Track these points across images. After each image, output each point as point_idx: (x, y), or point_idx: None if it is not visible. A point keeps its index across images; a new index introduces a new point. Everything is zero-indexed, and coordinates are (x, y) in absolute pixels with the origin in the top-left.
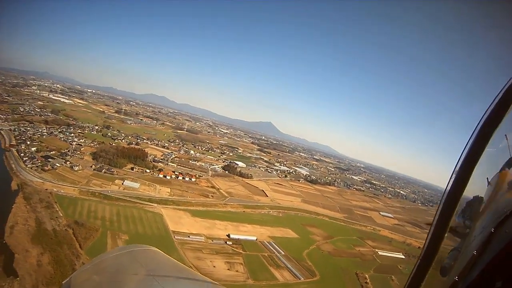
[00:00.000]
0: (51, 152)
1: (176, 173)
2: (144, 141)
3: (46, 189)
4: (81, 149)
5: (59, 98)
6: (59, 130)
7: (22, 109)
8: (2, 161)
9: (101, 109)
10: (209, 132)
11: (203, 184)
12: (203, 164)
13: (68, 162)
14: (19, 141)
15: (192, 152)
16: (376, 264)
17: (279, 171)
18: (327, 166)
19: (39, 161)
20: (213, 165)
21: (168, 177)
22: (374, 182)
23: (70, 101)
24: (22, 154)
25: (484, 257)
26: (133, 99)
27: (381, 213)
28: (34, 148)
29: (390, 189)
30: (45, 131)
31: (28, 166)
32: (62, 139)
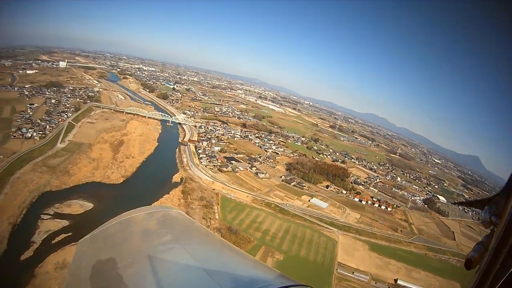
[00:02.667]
0: (238, 155)
1: (374, 199)
2: (352, 160)
3: (214, 189)
4: (277, 158)
5: (267, 105)
6: (257, 135)
7: (217, 109)
8: (175, 153)
9: (314, 122)
10: (421, 160)
11: (398, 216)
12: (405, 193)
13: (254, 168)
14: (202, 138)
15: (398, 179)
16: None
17: (474, 212)
18: None
19: (219, 161)
20: (415, 196)
21: (363, 202)
22: None
23: (280, 110)
24: (200, 151)
25: None
26: (352, 116)
27: None
28: (218, 148)
29: None
30: (238, 133)
31: (203, 163)
32: (258, 144)
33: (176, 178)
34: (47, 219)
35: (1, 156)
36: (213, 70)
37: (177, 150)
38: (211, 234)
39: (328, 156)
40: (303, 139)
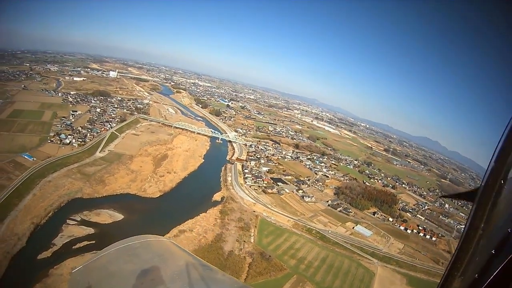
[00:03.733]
0: (286, 177)
1: (419, 227)
2: (403, 185)
3: (254, 211)
4: (326, 181)
5: (323, 126)
6: (309, 157)
7: (271, 129)
8: (220, 171)
9: (369, 145)
10: (470, 186)
11: (441, 246)
12: (451, 221)
13: (300, 191)
14: (251, 157)
15: (446, 205)
16: None
17: None
18: None
19: (265, 181)
20: (461, 224)
21: (409, 231)
22: None
23: (336, 131)
24: (246, 170)
25: (501, 256)
26: (407, 140)
27: None
28: (266, 168)
29: None
30: (290, 154)
31: (248, 183)
32: (308, 166)
33: (216, 197)
34: (72, 224)
35: (35, 159)
36: (271, 89)
37: (223, 168)
38: (204, 264)
39: (379, 181)
40: (355, 162)
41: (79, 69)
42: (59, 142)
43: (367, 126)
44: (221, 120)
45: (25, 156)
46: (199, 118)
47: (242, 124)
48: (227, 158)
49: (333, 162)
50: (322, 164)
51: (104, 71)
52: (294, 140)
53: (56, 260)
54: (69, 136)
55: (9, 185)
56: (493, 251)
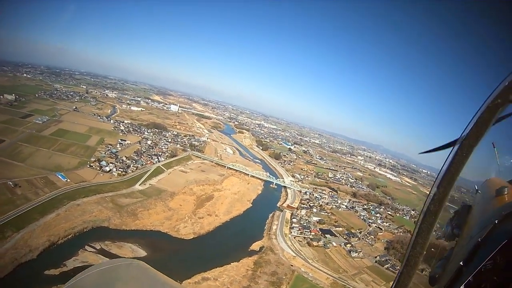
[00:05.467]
0: (337, 228)
1: None
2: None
3: (292, 265)
4: (378, 234)
5: (385, 173)
6: (365, 206)
7: (331, 175)
8: (266, 218)
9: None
10: None
11: None
12: None
13: (348, 245)
14: (303, 205)
15: None
16: None
17: None
18: None
19: (313, 233)
20: None
21: None
22: None
23: (397, 179)
24: (294, 220)
25: (470, 267)
26: (465, 186)
27: None
28: (317, 218)
29: None
30: (345, 203)
31: (293, 233)
32: (363, 217)
33: (255, 246)
34: (90, 251)
35: (68, 180)
36: (338, 134)
37: (270, 215)
38: (174, 284)
39: (434, 233)
40: (412, 212)
41: (139, 99)
42: (98, 168)
43: (429, 172)
44: (279, 164)
45: (59, 176)
46: (257, 160)
47: (301, 169)
48: (278, 204)
49: (389, 212)
50: (378, 215)
51: (166, 104)
52: (353, 188)
53: (61, 280)
54: (110, 164)
55: (34, 199)
56: (461, 263)
